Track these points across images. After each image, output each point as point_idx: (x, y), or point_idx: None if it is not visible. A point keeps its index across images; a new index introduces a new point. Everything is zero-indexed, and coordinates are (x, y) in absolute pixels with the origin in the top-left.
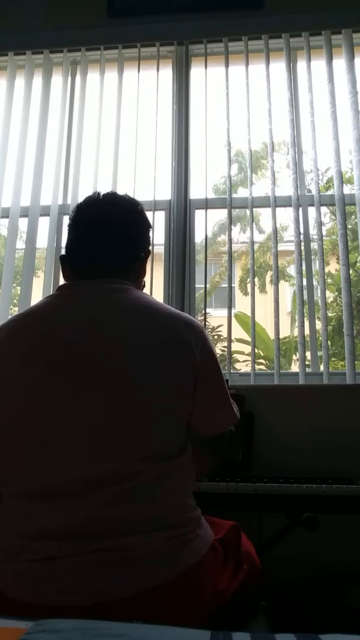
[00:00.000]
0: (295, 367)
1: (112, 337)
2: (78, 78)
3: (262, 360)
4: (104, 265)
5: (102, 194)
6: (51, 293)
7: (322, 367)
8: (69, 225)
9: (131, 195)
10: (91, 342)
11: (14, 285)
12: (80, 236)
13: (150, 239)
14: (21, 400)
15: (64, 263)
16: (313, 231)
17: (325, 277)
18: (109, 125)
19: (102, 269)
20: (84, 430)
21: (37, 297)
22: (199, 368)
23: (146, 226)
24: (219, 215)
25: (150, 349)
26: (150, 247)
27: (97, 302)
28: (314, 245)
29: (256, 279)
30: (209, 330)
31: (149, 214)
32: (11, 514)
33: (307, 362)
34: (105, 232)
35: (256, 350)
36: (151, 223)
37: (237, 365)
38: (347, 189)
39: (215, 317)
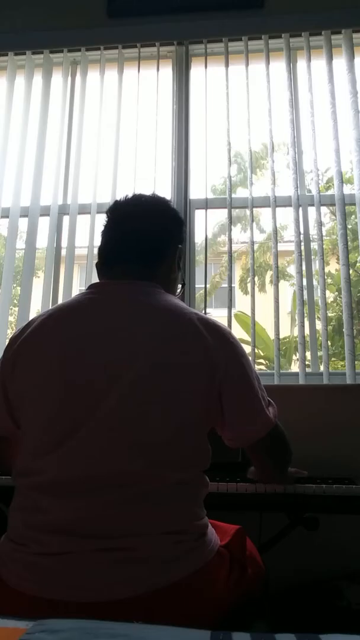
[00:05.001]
0: (295, 367)
1: (132, 343)
2: (78, 78)
3: (262, 360)
4: (131, 261)
5: (129, 195)
6: (51, 293)
7: (322, 367)
8: (102, 230)
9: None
10: (112, 346)
11: (14, 285)
12: (108, 232)
13: (182, 237)
14: (44, 396)
15: (97, 263)
16: (313, 231)
17: (325, 277)
18: (109, 125)
19: (129, 267)
20: (104, 431)
21: (37, 297)
22: (222, 375)
23: (173, 222)
24: (219, 215)
25: (170, 356)
26: (181, 245)
27: (121, 304)
28: (314, 245)
29: (256, 279)
30: None
31: None
32: (23, 504)
33: (307, 362)
34: (131, 224)
35: (256, 350)
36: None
37: None
38: (347, 189)
39: (215, 317)
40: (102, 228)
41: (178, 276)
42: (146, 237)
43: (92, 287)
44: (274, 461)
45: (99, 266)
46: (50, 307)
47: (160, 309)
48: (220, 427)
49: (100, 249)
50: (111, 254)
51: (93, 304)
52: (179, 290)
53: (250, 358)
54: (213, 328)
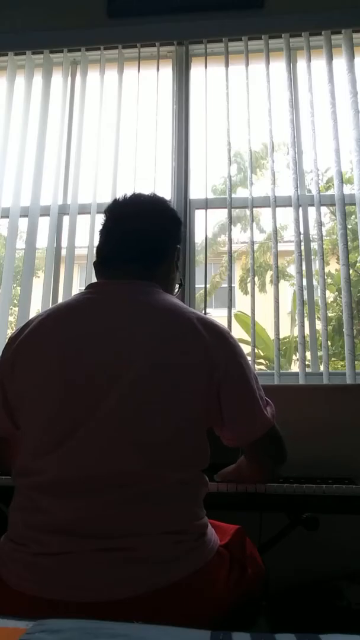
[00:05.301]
0: (295, 367)
1: (132, 343)
2: (78, 78)
3: (262, 360)
4: (131, 261)
5: (128, 195)
6: (51, 293)
7: (322, 367)
8: (100, 229)
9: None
10: (112, 346)
11: (14, 285)
12: (107, 232)
13: (181, 237)
14: (44, 396)
15: (95, 262)
16: (313, 231)
17: (325, 277)
18: (109, 125)
19: (129, 267)
20: (104, 431)
21: (37, 297)
22: (222, 375)
23: (172, 222)
24: (219, 215)
25: (170, 356)
26: (179, 245)
27: (120, 304)
28: (314, 245)
29: (256, 279)
30: None
31: None
32: (23, 504)
33: (307, 362)
34: (131, 224)
35: (256, 350)
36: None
37: None
38: (347, 189)
39: (215, 317)
40: (101, 227)
41: (176, 276)
42: (146, 237)
43: (90, 287)
44: (273, 461)
45: (98, 266)
46: (49, 307)
47: (160, 309)
48: (219, 426)
49: (99, 248)
50: (110, 254)
51: (92, 304)
52: (176, 290)
53: (249, 358)
54: (212, 328)
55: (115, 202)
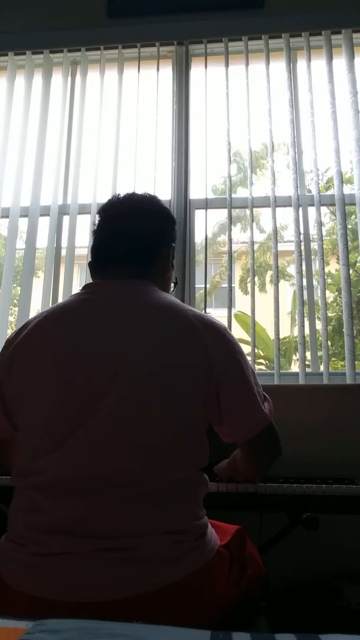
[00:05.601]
0: (295, 367)
1: (131, 343)
2: (78, 78)
3: (262, 360)
4: (126, 261)
5: (121, 194)
6: (51, 293)
7: (322, 367)
8: (94, 229)
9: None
10: (111, 346)
11: (14, 285)
12: (102, 232)
13: (175, 236)
14: (44, 396)
15: (90, 262)
16: (313, 231)
17: (325, 277)
18: (109, 125)
19: (124, 266)
20: (104, 431)
21: (37, 297)
22: (221, 374)
23: (167, 220)
24: (219, 215)
25: (170, 356)
26: (174, 244)
27: (118, 303)
28: (314, 245)
29: (256, 279)
30: None
31: None
32: (23, 504)
33: (307, 362)
34: (126, 223)
35: (256, 350)
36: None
37: None
38: (347, 189)
39: (215, 317)
40: (95, 227)
41: (172, 275)
42: (141, 237)
43: (87, 287)
44: (271, 458)
45: (93, 265)
46: (46, 309)
47: (158, 307)
48: (218, 424)
49: (94, 248)
50: (105, 254)
51: (90, 305)
52: (172, 289)
53: (249, 358)
54: (210, 326)
55: (109, 202)
